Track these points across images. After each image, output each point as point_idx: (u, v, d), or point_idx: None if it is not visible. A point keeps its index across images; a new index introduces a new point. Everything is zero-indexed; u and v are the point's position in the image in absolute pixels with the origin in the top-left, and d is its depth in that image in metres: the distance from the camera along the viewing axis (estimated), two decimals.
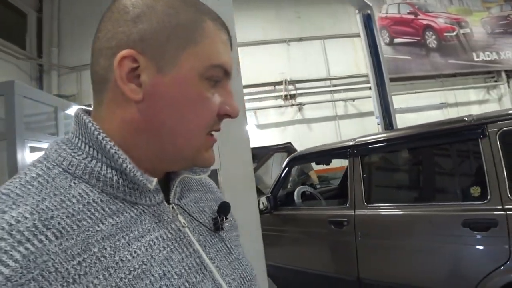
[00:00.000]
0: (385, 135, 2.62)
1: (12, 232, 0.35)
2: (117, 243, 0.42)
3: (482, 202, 1.98)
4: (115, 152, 0.45)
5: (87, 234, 0.41)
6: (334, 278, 2.64)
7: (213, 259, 0.53)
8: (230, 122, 1.54)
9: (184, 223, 0.52)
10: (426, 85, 8.04)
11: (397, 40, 8.14)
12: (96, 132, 0.46)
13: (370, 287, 2.38)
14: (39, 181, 0.43)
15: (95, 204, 0.44)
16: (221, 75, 0.49)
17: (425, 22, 8.22)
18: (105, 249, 0.41)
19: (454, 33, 8.35)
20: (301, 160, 3.43)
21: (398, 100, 7.87)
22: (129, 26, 0.46)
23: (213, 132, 0.52)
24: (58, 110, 4.88)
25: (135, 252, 0.43)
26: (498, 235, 1.87)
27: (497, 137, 1.99)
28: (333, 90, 7.83)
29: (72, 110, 5.02)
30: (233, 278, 0.55)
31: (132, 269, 0.42)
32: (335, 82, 7.88)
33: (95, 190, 0.45)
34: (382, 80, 5.13)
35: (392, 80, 7.88)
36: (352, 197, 2.55)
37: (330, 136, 7.15)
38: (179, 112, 0.47)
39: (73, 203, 0.42)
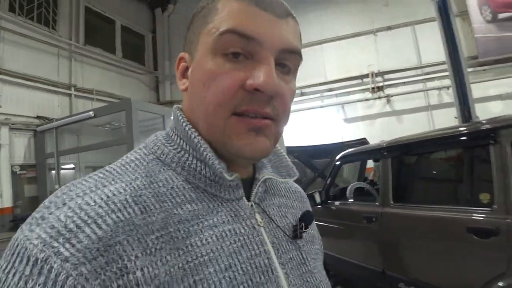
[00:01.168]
0: (408, 138, 2.73)
1: (108, 202, 0.41)
2: (190, 228, 0.45)
3: (488, 210, 2.02)
4: (198, 142, 0.48)
5: (166, 214, 0.44)
6: (363, 267, 2.90)
7: (283, 264, 0.52)
8: None
9: (260, 222, 0.52)
10: None
11: (502, 15, 7.22)
12: (184, 124, 0.50)
13: (392, 279, 2.60)
14: (135, 163, 0.49)
15: (177, 190, 0.47)
16: (238, 42, 0.45)
17: None
18: (179, 231, 0.44)
19: None
20: (348, 158, 3.66)
21: (504, 85, 7.11)
22: (186, 33, 0.54)
23: (252, 114, 0.46)
24: (165, 117, 5.99)
25: (205, 239, 0.45)
26: (499, 244, 1.91)
27: (509, 144, 1.98)
28: (426, 79, 7.42)
29: None
30: None
31: (199, 255, 0.44)
32: (427, 70, 7.46)
33: (180, 177, 0.49)
34: (459, 69, 4.85)
35: (496, 62, 7.14)
36: (382, 196, 2.77)
37: (421, 128, 6.86)
38: (198, 93, 0.48)
39: (159, 186, 0.46)
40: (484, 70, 7.29)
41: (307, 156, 5.19)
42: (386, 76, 7.59)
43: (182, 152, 0.50)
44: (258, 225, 0.52)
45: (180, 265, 0.42)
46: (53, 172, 6.41)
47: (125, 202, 0.42)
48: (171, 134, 0.53)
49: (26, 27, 5.93)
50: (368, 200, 3.29)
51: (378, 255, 2.73)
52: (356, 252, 3.07)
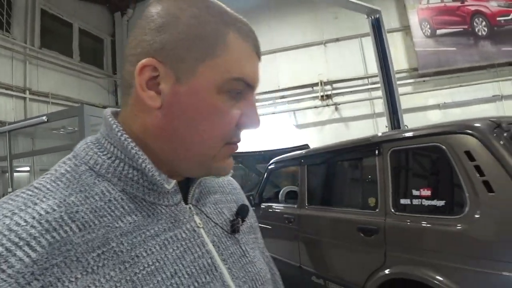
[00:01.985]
0: (318, 148, 3.12)
1: (41, 221, 0.39)
2: (134, 240, 0.45)
3: (373, 212, 2.41)
4: (136, 153, 0.47)
5: (107, 230, 0.43)
6: (286, 262, 3.27)
7: (225, 260, 0.54)
8: None
9: (199, 223, 0.54)
10: (475, 77, 7.61)
11: (440, 31, 7.85)
12: (119, 134, 0.48)
13: (307, 273, 2.96)
14: (67, 177, 0.46)
15: (115, 202, 0.46)
16: (243, 87, 0.50)
17: (473, 8, 7.74)
18: (122, 244, 0.44)
19: (510, 17, 7.76)
20: (277, 164, 4.02)
21: (442, 95, 7.71)
22: (153, 35, 0.47)
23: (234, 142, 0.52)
24: None
25: (150, 250, 0.46)
26: (379, 241, 2.28)
27: (388, 156, 2.39)
28: (371, 88, 7.95)
29: None
30: (244, 281, 0.55)
31: (146, 265, 0.44)
32: (373, 80, 7.98)
33: (116, 188, 0.47)
34: (389, 82, 5.31)
35: (435, 74, 7.76)
36: (300, 199, 3.13)
37: (367, 134, 7.34)
38: (193, 123, 0.48)
39: (96, 200, 0.45)
40: (424, 81, 7.89)
41: (252, 161, 5.52)
42: (335, 85, 8.07)
43: (117, 162, 0.48)
44: (198, 226, 0.53)
45: (128, 277, 0.42)
46: (7, 175, 6.41)
47: (60, 220, 0.40)
48: (103, 142, 0.51)
49: None
50: (292, 202, 3.67)
51: (296, 252, 3.09)
52: (280, 250, 3.42)
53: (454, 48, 7.77)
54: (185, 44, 0.47)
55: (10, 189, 6.34)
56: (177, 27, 0.47)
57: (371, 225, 2.37)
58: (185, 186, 0.56)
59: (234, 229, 0.59)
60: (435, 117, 7.71)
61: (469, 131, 1.98)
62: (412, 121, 7.52)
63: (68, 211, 0.42)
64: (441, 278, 1.93)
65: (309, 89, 8.21)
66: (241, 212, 0.63)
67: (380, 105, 7.96)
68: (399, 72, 8.00)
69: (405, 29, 8.03)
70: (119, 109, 0.55)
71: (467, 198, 1.89)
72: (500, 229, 1.76)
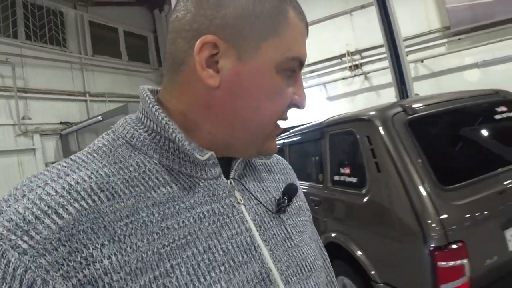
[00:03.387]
0: (294, 130, 3.57)
1: (70, 191, 0.40)
2: (166, 211, 0.45)
3: (321, 186, 2.85)
4: (166, 123, 0.47)
5: (137, 199, 0.44)
6: None
7: (267, 241, 0.52)
8: None
9: (240, 199, 0.52)
10: None
11: None
12: (151, 105, 0.48)
13: None
14: (103, 150, 0.47)
15: (150, 173, 0.46)
16: (297, 67, 0.50)
17: None
18: (153, 215, 0.43)
19: None
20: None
21: (481, 52, 7.24)
22: (212, 10, 0.46)
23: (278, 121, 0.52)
24: None
25: (182, 222, 0.45)
26: (321, 211, 2.74)
27: (328, 138, 2.79)
28: None
29: None
30: (287, 266, 0.53)
31: (176, 238, 0.43)
32: (405, 43, 7.74)
33: (152, 161, 0.48)
34: (395, 50, 5.27)
35: (471, 30, 7.32)
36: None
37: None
38: (254, 102, 0.48)
39: (130, 171, 0.45)
40: (459, 39, 7.49)
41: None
42: (364, 54, 7.99)
43: (153, 134, 0.49)
44: (238, 202, 0.52)
45: (155, 249, 0.42)
46: None
47: (89, 190, 0.41)
48: (140, 117, 0.51)
49: (41, 50, 7.07)
50: None
51: None
52: None
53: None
54: (248, 21, 0.46)
55: None
56: (239, 2, 0.46)
57: (316, 197, 2.82)
58: (227, 160, 0.55)
59: (279, 209, 0.57)
60: (472, 78, 7.34)
61: (371, 118, 2.31)
62: (447, 85, 7.32)
63: (99, 181, 0.42)
64: (352, 243, 2.35)
65: (338, 60, 8.23)
66: (288, 191, 0.61)
67: (412, 70, 7.79)
68: (430, 32, 7.71)
69: None
70: (158, 88, 0.56)
71: (367, 176, 2.26)
72: (382, 204, 2.12)
